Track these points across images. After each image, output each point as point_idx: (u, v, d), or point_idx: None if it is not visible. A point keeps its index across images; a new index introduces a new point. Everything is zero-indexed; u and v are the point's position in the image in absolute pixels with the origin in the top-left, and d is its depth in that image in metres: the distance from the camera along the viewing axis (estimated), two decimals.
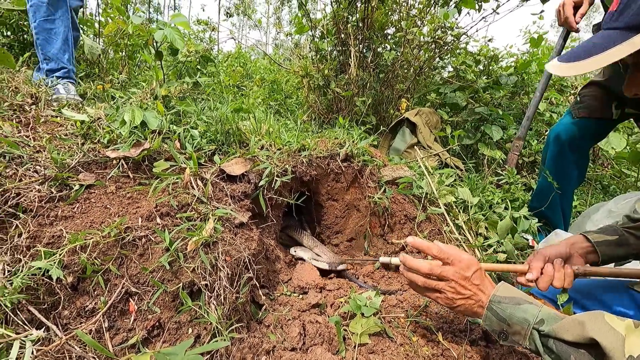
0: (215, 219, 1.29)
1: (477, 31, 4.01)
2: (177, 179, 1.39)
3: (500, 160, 3.47)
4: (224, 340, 1.01)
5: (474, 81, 4.06)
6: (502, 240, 1.90)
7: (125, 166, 1.44)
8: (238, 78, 6.06)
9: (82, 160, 1.37)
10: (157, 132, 1.63)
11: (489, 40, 4.69)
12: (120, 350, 0.98)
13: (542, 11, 4.18)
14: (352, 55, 4.03)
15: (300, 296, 1.50)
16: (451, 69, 4.60)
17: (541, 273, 1.20)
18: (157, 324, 1.05)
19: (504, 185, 2.41)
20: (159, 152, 1.57)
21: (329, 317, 1.36)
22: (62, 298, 1.00)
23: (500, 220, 1.98)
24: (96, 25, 4.06)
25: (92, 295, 1.05)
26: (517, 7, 3.93)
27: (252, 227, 1.48)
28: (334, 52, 4.40)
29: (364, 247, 2.08)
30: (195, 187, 1.42)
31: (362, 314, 1.28)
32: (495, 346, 1.36)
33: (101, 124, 1.61)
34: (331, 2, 3.92)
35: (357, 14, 3.95)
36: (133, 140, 1.50)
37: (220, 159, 1.61)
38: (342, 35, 3.97)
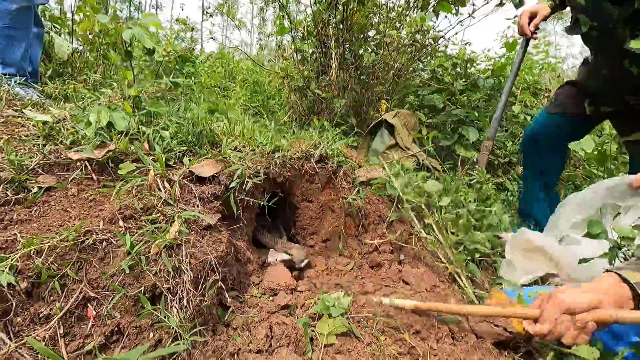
0: (182, 221, 1.27)
1: (455, 34, 4.09)
2: (142, 180, 1.37)
3: (474, 161, 3.55)
4: (184, 343, 1.00)
5: (451, 84, 4.15)
6: (469, 235, 1.94)
7: (89, 168, 1.41)
8: (219, 79, 6.01)
9: (42, 162, 1.33)
10: (125, 133, 1.60)
11: (467, 44, 4.80)
12: (75, 358, 0.95)
13: (516, 16, 4.31)
14: (332, 58, 4.05)
15: (271, 298, 1.49)
16: (429, 72, 4.68)
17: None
18: (117, 329, 1.03)
19: (475, 185, 2.46)
20: (126, 154, 1.53)
21: (298, 318, 1.36)
22: (15, 304, 0.97)
23: (461, 219, 2.02)
24: (69, 23, 3.95)
25: (47, 301, 1.01)
26: (491, 11, 4.02)
27: (221, 229, 1.47)
28: (315, 54, 4.41)
29: (338, 248, 2.09)
30: (161, 189, 1.40)
31: (330, 315, 1.29)
32: (460, 343, 1.39)
33: (65, 125, 1.57)
34: (311, 4, 3.93)
35: (337, 16, 3.97)
36: (98, 141, 1.47)
37: (190, 160, 1.59)
38: (323, 38, 3.98)
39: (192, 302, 1.12)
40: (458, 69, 4.24)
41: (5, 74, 1.95)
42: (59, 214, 1.19)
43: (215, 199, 1.56)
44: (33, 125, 1.50)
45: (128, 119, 1.68)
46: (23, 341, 0.90)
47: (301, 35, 4.38)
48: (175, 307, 1.07)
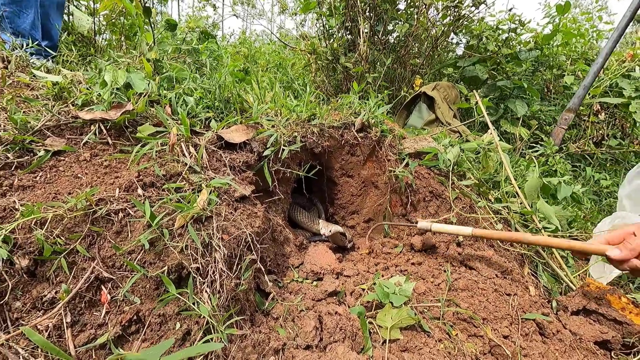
0: (210, 190, 1.05)
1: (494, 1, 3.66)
2: (164, 145, 1.16)
3: (522, 137, 3.17)
4: (220, 338, 0.79)
5: (496, 52, 3.74)
6: (535, 203, 1.63)
7: (105, 131, 1.21)
8: (242, 60, 5.80)
9: (50, 124, 1.14)
10: (145, 95, 1.40)
11: (511, 10, 4.34)
12: (84, 352, 0.76)
13: None
14: (361, 32, 3.74)
15: (314, 283, 1.27)
16: (467, 43, 4.27)
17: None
18: (136, 317, 0.83)
19: (540, 158, 2.14)
20: (146, 117, 1.33)
21: (349, 307, 1.13)
22: (12, 286, 0.78)
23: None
24: (90, 3, 3.83)
25: (52, 282, 0.83)
26: None
27: (256, 203, 1.25)
28: (341, 30, 4.09)
29: (383, 229, 1.83)
30: (186, 154, 1.18)
31: (392, 303, 1.05)
32: (552, 341, 1.12)
33: (79, 86, 1.38)
34: None
35: None
36: (114, 102, 1.27)
37: (218, 125, 1.38)
38: (351, 11, 3.66)
39: (226, 285, 0.90)
40: (504, 35, 3.81)
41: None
42: (67, 180, 1.00)
43: (248, 169, 1.34)
44: (43, 86, 1.32)
45: (148, 81, 1.48)
46: (20, 331, 0.72)
47: (327, 10, 4.07)
48: (206, 291, 0.86)
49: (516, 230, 1.60)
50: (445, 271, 1.46)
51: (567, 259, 1.55)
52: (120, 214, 0.94)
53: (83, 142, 1.14)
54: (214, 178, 1.13)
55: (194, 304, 0.81)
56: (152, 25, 1.72)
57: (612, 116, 4.17)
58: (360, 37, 3.81)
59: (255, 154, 1.38)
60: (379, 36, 3.87)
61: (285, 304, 1.08)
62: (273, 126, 1.55)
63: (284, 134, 1.49)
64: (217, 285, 0.88)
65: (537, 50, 4.01)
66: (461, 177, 1.94)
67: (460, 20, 3.96)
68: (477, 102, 2.07)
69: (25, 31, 1.87)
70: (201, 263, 0.89)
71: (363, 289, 1.24)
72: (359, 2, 3.73)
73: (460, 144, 1.90)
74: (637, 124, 4.07)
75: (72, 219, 0.89)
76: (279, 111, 1.72)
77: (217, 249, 0.92)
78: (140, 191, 0.99)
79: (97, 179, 1.04)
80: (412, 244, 1.68)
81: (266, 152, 1.41)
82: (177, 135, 1.13)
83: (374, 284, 1.19)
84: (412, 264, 1.53)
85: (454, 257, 1.55)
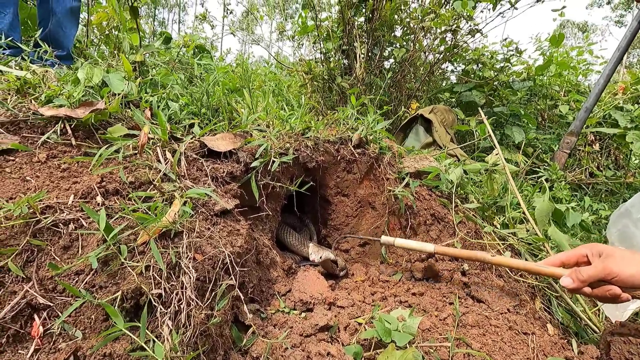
0: (185, 200, 0.90)
1: (492, 28, 3.71)
2: (136, 147, 1.01)
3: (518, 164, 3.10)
4: None
5: (492, 78, 3.74)
6: (546, 230, 1.49)
7: (70, 132, 1.06)
8: (237, 80, 5.76)
9: (4, 119, 0.99)
10: (121, 95, 1.26)
11: (505, 39, 4.40)
12: None
13: (564, 7, 3.91)
14: (357, 56, 3.72)
15: (303, 314, 1.09)
16: (464, 69, 4.30)
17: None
18: (73, 357, 0.65)
19: (545, 184, 2.03)
20: (121, 119, 1.19)
21: (344, 345, 0.95)
22: None
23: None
24: (84, 14, 3.77)
25: None
26: (536, 1, 3.62)
27: (240, 219, 1.09)
28: (338, 53, 4.08)
29: (380, 254, 1.68)
30: (162, 160, 1.03)
31: (394, 343, 0.88)
32: None
33: (48, 83, 1.24)
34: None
35: (366, 9, 3.64)
36: (83, 98, 1.13)
37: (202, 129, 1.24)
38: (348, 36, 3.65)
39: (194, 317, 0.73)
40: (500, 62, 3.83)
41: None
42: (12, 183, 0.84)
43: (233, 180, 1.19)
44: (5, 80, 1.17)
45: (128, 82, 1.35)
46: None
47: (325, 34, 4.07)
48: (168, 324, 0.68)
49: (526, 259, 1.46)
50: (451, 304, 1.29)
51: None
52: (71, 225, 0.78)
53: (41, 141, 0.98)
54: (191, 188, 0.97)
55: (147, 342, 0.64)
56: (139, 26, 1.61)
57: (606, 147, 4.17)
58: (356, 61, 3.80)
59: (242, 165, 1.24)
60: (375, 61, 3.86)
61: (268, 341, 0.90)
62: (264, 136, 1.42)
63: (275, 144, 1.36)
64: (183, 317, 0.71)
65: (530, 81, 4.05)
66: (463, 200, 1.81)
67: (455, 49, 4.01)
68: (481, 121, 1.98)
69: (2, 31, 1.74)
70: (165, 288, 0.72)
71: (359, 323, 1.07)
72: (356, 26, 3.75)
73: (463, 166, 1.79)
74: (631, 156, 4.07)
75: (7, 229, 0.72)
76: (271, 122, 1.60)
77: (187, 271, 0.75)
78: (99, 199, 0.83)
79: (51, 184, 0.88)
80: (412, 272, 1.52)
81: (254, 163, 1.26)
82: (150, 135, 0.98)
83: (373, 317, 1.02)
84: (413, 294, 1.37)
85: (460, 288, 1.39)
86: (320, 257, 1.31)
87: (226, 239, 0.93)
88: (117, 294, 0.69)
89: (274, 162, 1.30)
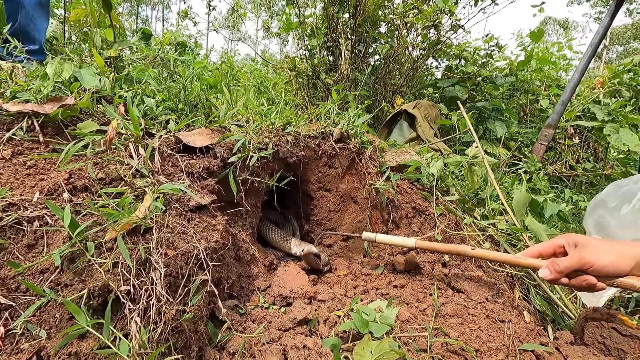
0: (157, 196, 0.88)
1: (474, 24, 3.76)
2: (104, 140, 0.98)
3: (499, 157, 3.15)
4: None
5: (474, 73, 3.79)
6: (524, 220, 1.52)
7: (37, 128, 1.03)
8: (219, 76, 5.69)
9: None
10: (92, 91, 1.23)
11: (487, 35, 4.46)
12: None
13: (543, 2, 3.98)
14: (342, 53, 3.72)
15: (283, 309, 1.09)
16: (445, 67, 4.35)
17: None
18: (36, 357, 0.63)
19: (523, 175, 2.07)
20: (92, 115, 1.16)
21: (322, 338, 0.95)
22: None
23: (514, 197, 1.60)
24: (61, 11, 3.66)
25: None
26: None
27: (216, 214, 1.08)
28: (323, 49, 4.07)
29: (363, 248, 1.68)
30: (134, 156, 1.01)
31: (371, 334, 0.88)
32: None
33: (15, 79, 1.20)
34: None
35: (349, 4, 3.64)
36: (52, 94, 1.09)
37: (177, 124, 1.22)
38: (332, 34, 3.65)
39: (165, 313, 0.72)
40: (482, 56, 3.87)
41: None
42: None
43: (210, 176, 1.18)
44: None
45: (100, 77, 1.31)
46: None
47: (309, 30, 4.05)
48: (136, 321, 0.67)
49: (505, 250, 1.48)
50: (431, 295, 1.30)
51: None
52: (36, 223, 0.75)
53: (5, 138, 0.95)
54: (165, 184, 0.96)
55: (114, 340, 0.62)
56: (113, 21, 1.57)
57: (586, 140, 4.27)
58: (341, 58, 3.80)
59: (219, 160, 1.22)
60: (360, 57, 3.87)
61: (245, 336, 0.89)
62: (243, 132, 1.40)
63: (253, 139, 1.35)
64: (153, 314, 0.69)
65: (512, 77, 4.12)
66: (445, 192, 1.83)
67: (439, 45, 4.04)
68: (461, 115, 1.99)
69: None
70: (134, 285, 0.71)
71: (339, 316, 1.07)
72: (340, 23, 3.74)
73: (444, 159, 1.81)
74: (609, 149, 4.18)
75: None
76: (250, 117, 1.58)
77: (157, 267, 0.73)
78: (66, 196, 0.81)
79: (15, 181, 0.85)
80: (394, 265, 1.53)
81: (232, 159, 1.25)
82: (122, 131, 0.96)
83: (352, 309, 1.02)
84: (395, 286, 1.38)
85: (440, 279, 1.40)
86: (302, 250, 1.30)
87: (201, 235, 0.92)
88: (83, 291, 0.67)
89: (252, 157, 1.28)
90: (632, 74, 4.36)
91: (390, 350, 0.82)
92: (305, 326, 0.99)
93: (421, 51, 3.91)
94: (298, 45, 4.64)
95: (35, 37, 1.82)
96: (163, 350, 0.67)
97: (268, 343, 0.88)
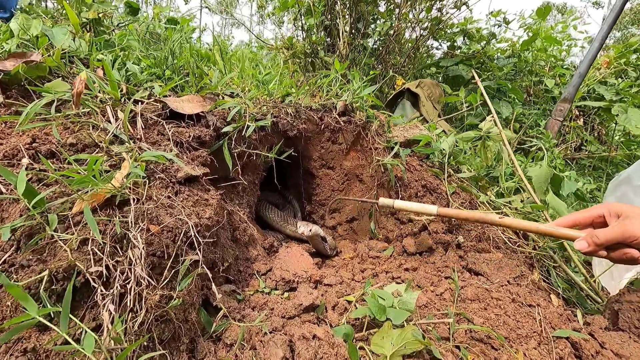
0: (137, 164, 0.74)
1: (477, 2, 3.58)
2: (82, 111, 0.84)
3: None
4: None
5: (479, 51, 3.63)
6: (545, 198, 1.41)
7: None
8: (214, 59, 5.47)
9: None
10: (66, 52, 1.08)
11: (491, 12, 4.29)
12: None
13: None
14: (340, 32, 3.55)
15: (286, 294, 0.97)
16: (448, 46, 4.19)
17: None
18: None
19: (537, 153, 1.95)
20: (64, 77, 1.01)
21: (332, 326, 0.83)
22: None
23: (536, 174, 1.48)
24: None
25: None
26: None
27: (209, 188, 0.95)
28: (321, 29, 3.88)
29: (370, 229, 1.56)
30: (112, 120, 0.87)
31: (390, 321, 0.76)
32: None
33: None
34: None
35: None
36: (16, 50, 0.94)
37: (162, 87, 1.07)
38: (330, 12, 3.47)
39: (147, 299, 0.59)
40: (483, 42, 3.72)
41: None
42: None
43: (201, 146, 1.04)
44: None
45: (73, 35, 1.16)
46: None
47: (304, 10, 3.85)
48: (109, 309, 0.54)
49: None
50: (447, 278, 1.19)
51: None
52: None
53: None
54: (148, 151, 0.82)
55: (80, 334, 0.50)
56: None
57: (590, 122, 4.17)
58: (340, 38, 3.63)
59: (212, 130, 1.08)
60: (360, 36, 3.70)
61: (244, 325, 0.77)
62: (238, 101, 1.25)
63: (250, 108, 1.20)
64: (130, 300, 0.57)
65: (515, 58, 3.98)
66: (455, 171, 1.71)
67: (441, 25, 3.89)
68: (469, 92, 1.86)
69: None
70: (108, 265, 0.58)
71: (349, 302, 0.95)
72: (338, 2, 3.56)
73: (455, 135, 1.68)
74: (615, 131, 4.08)
75: None
76: (246, 88, 1.43)
77: (136, 244, 0.61)
78: (25, 161, 0.67)
79: None
80: (404, 247, 1.41)
81: (226, 128, 1.11)
82: (99, 95, 0.81)
83: (365, 294, 0.90)
84: (406, 269, 1.26)
85: (455, 261, 1.29)
86: (310, 231, 1.18)
87: (191, 209, 0.79)
88: (43, 273, 0.54)
89: (249, 127, 1.14)
90: (639, 54, 4.23)
91: (414, 340, 0.70)
92: (312, 313, 0.88)
93: (422, 31, 3.76)
94: (294, 26, 4.44)
95: (6, 5, 1.65)
96: (144, 343, 0.55)
97: (271, 333, 0.76)
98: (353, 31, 3.72)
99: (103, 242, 0.58)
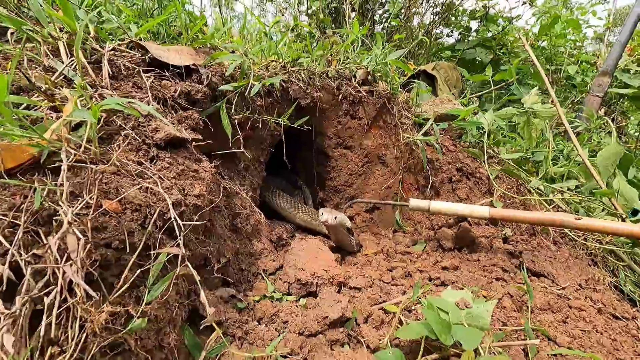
0: (87, 108, 0.50)
1: None
2: (24, 49, 0.59)
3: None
4: None
5: (498, 33, 3.38)
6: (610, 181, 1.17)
7: None
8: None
9: None
10: None
11: None
12: None
13: None
14: (348, 14, 3.32)
15: (302, 301, 0.73)
16: (464, 28, 3.94)
17: None
18: None
19: (582, 134, 1.70)
20: (8, 18, 0.76)
21: (370, 349, 0.59)
22: None
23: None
24: None
25: None
26: None
27: (201, 158, 0.70)
28: (326, 13, 3.64)
29: (394, 220, 1.32)
30: (64, 58, 0.62)
31: (460, 345, 0.52)
32: None
33: None
34: None
35: None
36: None
37: (139, 29, 0.82)
38: None
39: (87, 320, 0.35)
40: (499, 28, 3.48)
41: None
42: None
43: (192, 105, 0.79)
44: None
45: None
46: None
47: None
48: (7, 341, 0.30)
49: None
50: (498, 279, 0.95)
51: None
52: None
53: None
54: (110, 98, 0.57)
55: None
56: None
57: (611, 114, 3.95)
58: (346, 23, 3.39)
59: (206, 86, 0.83)
60: (369, 17, 3.47)
61: (247, 355, 0.53)
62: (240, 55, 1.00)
63: (255, 63, 0.96)
64: (51, 324, 0.32)
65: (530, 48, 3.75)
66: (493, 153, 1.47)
67: (452, 10, 3.66)
68: (523, 46, 1.60)
69: None
70: (17, 261, 0.33)
71: (386, 311, 0.71)
72: None
73: (493, 112, 1.43)
74: (632, 124, 3.86)
75: None
76: (248, 50, 1.18)
77: (71, 229, 0.36)
78: None
79: None
80: (439, 240, 1.17)
81: (225, 86, 0.86)
82: (54, 33, 0.56)
83: (417, 302, 0.66)
84: (445, 268, 1.02)
85: (504, 258, 1.05)
86: (335, 219, 0.93)
87: (172, 182, 0.55)
88: None
89: (253, 86, 0.89)
90: None
91: None
92: (341, 329, 0.63)
93: (433, 17, 3.52)
94: (298, 11, 4.19)
95: None
96: None
97: (286, 358, 0.52)
98: (361, 10, 3.48)
99: (12, 222, 0.34)
